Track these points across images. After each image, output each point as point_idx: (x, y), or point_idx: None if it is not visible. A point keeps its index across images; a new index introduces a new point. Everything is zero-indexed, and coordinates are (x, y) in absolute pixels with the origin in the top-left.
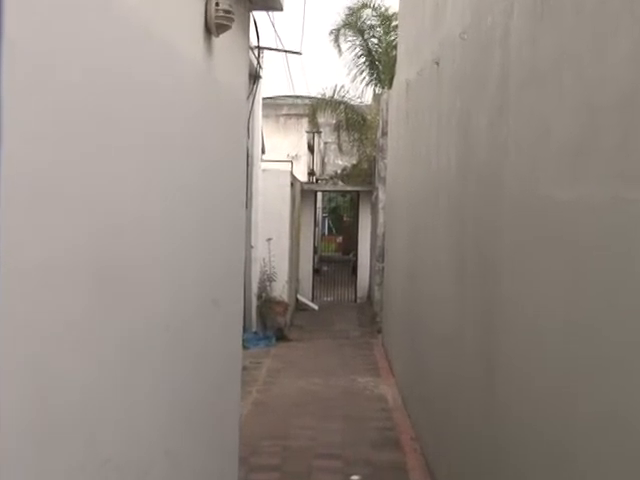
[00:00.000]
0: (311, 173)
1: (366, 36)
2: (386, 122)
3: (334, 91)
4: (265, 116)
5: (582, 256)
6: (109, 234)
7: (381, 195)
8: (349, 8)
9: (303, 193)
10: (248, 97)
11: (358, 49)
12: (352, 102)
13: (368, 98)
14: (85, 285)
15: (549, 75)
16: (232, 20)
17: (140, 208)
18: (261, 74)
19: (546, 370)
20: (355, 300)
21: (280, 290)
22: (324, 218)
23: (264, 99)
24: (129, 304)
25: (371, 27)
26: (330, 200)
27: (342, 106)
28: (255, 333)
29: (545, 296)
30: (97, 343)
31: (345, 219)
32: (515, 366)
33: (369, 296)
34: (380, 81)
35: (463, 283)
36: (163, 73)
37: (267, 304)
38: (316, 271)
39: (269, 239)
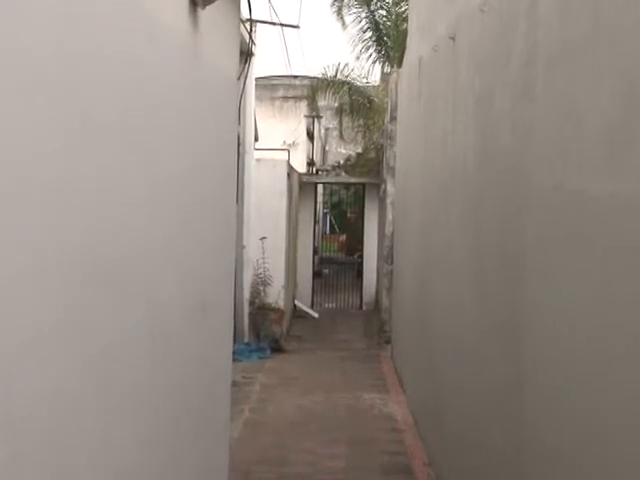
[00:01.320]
0: (310, 163)
1: (373, 7)
2: (395, 105)
3: (337, 70)
4: (258, 99)
5: (617, 256)
6: (81, 234)
7: (390, 188)
8: None
9: (302, 186)
10: (239, 77)
11: (364, 22)
12: (357, 83)
13: (375, 78)
14: (54, 287)
15: (582, 51)
16: None
17: (114, 202)
18: (254, 51)
19: (582, 385)
20: (360, 307)
21: (275, 296)
22: (325, 214)
23: (257, 79)
24: (105, 309)
25: None
26: (332, 194)
27: (346, 87)
28: (247, 344)
29: (576, 300)
30: (68, 351)
31: (349, 215)
32: (546, 381)
33: (376, 302)
34: (389, 59)
35: (482, 286)
36: (141, 49)
37: (261, 311)
38: (316, 274)
39: (263, 238)
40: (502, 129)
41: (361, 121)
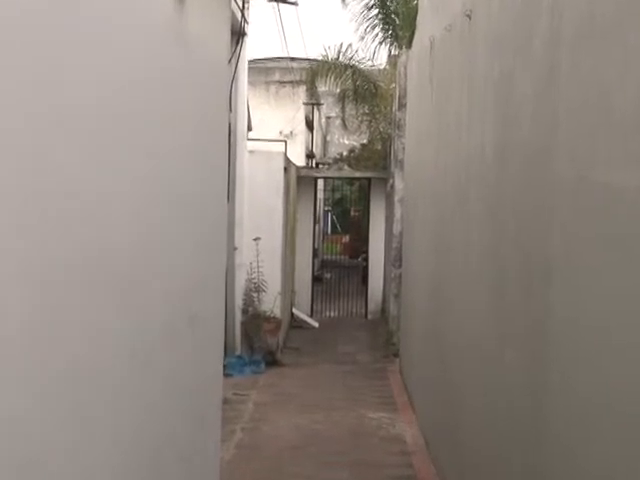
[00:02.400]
0: (310, 155)
1: None
2: (404, 91)
3: (339, 52)
4: (252, 83)
5: None
6: (47, 233)
7: (398, 183)
8: None
9: (300, 181)
10: (230, 59)
11: None
12: (361, 66)
13: (382, 61)
14: (18, 297)
15: (612, 30)
16: None
17: (83, 201)
18: (246, 31)
19: (614, 408)
20: (365, 316)
21: (271, 303)
22: (326, 212)
23: (251, 62)
24: (78, 321)
25: None
26: (334, 190)
27: (349, 71)
28: (239, 357)
29: (609, 311)
30: (37, 372)
31: (353, 214)
32: (573, 400)
33: (383, 310)
34: (397, 39)
35: (502, 293)
36: (118, 25)
37: (254, 321)
38: (316, 279)
39: (257, 239)
40: (524, 117)
41: (366, 109)
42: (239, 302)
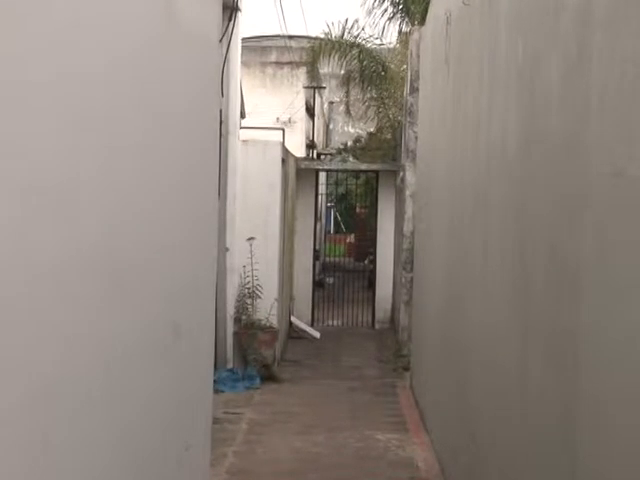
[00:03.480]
0: (311, 145)
1: None
2: (417, 73)
3: (343, 29)
4: (246, 64)
5: None
6: (5, 238)
7: (410, 177)
8: None
9: (300, 174)
10: (221, 38)
11: None
12: (369, 44)
13: (391, 39)
14: None
15: None
16: None
17: (60, 186)
18: (240, 5)
19: None
20: (373, 325)
21: (266, 311)
22: (329, 209)
23: (245, 40)
24: (47, 333)
25: None
26: (338, 184)
27: (355, 50)
28: (231, 371)
29: None
30: None
31: (359, 211)
32: (607, 423)
33: (392, 319)
34: (408, 14)
35: (527, 302)
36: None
37: (248, 331)
38: (318, 284)
39: (251, 239)
40: (551, 105)
41: (374, 93)
42: (231, 310)
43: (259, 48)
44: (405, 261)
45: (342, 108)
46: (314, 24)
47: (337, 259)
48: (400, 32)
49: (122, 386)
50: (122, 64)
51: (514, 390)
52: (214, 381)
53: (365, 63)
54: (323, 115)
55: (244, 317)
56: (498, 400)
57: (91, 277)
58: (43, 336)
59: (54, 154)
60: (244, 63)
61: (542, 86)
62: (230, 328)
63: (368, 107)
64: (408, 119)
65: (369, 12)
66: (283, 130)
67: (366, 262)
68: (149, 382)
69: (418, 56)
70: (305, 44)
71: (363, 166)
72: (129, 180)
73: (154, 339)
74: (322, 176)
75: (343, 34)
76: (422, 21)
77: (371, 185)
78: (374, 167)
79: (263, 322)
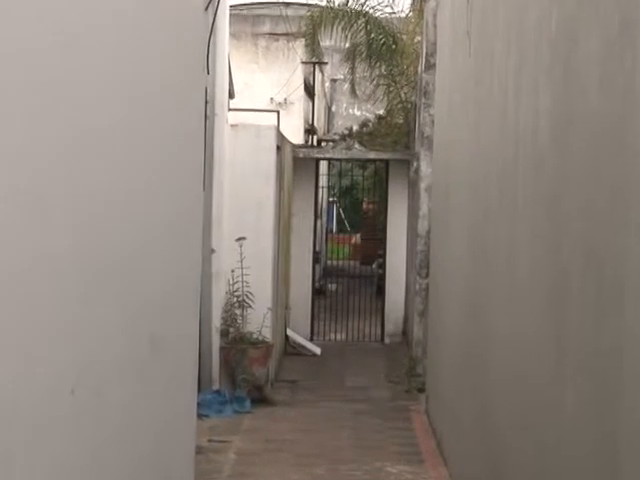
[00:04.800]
0: (310, 131)
1: None
2: (433, 46)
3: None
4: (235, 36)
5: None
6: None
7: (425, 167)
8: None
9: (297, 163)
10: (207, 6)
11: None
12: (378, 13)
13: (404, 6)
14: None
15: None
16: None
17: (22, 197)
18: None
19: None
20: (382, 339)
21: (259, 323)
22: (331, 205)
23: (234, 8)
24: (4, 348)
25: None
26: (341, 175)
27: (361, 20)
28: (218, 393)
29: None
30: None
31: (366, 207)
32: None
33: (404, 332)
34: None
35: (561, 312)
36: None
37: (237, 346)
38: (318, 291)
39: (241, 239)
40: (590, 82)
41: (383, 69)
42: (217, 321)
43: (250, 17)
44: (420, 265)
45: (346, 87)
46: None
47: (340, 262)
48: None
49: (90, 408)
50: (88, 34)
51: (547, 415)
52: (197, 404)
53: (373, 35)
54: (324, 95)
55: (232, 330)
56: (528, 426)
57: (54, 283)
58: (4, 351)
59: (9, 139)
60: (233, 35)
61: (579, 61)
62: (216, 342)
63: (377, 86)
64: (423, 100)
65: None
66: (278, 112)
67: (374, 266)
68: (122, 403)
69: (435, 27)
70: (303, 12)
71: (371, 154)
72: (96, 170)
73: (127, 355)
74: (323, 166)
75: (348, 1)
76: None
77: (380, 177)
78: (384, 156)
79: (254, 336)
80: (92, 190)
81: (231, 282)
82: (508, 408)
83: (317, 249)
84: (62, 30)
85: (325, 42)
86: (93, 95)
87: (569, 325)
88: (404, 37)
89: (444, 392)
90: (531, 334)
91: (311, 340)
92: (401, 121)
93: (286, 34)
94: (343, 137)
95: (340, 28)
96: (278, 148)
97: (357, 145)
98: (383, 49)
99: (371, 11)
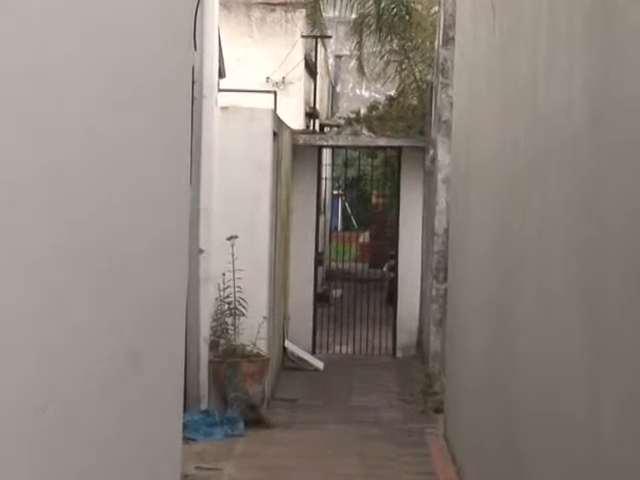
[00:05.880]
0: (312, 114)
1: None
2: (452, 18)
3: None
4: (226, 6)
5: None
6: None
7: (443, 156)
8: None
9: (297, 152)
10: None
11: None
12: None
13: None
14: None
15: None
16: None
17: None
18: None
19: None
20: (394, 352)
21: (253, 333)
22: (336, 198)
23: None
24: None
25: None
26: (347, 165)
27: None
28: (206, 413)
29: None
30: None
31: (375, 201)
32: None
33: (419, 345)
34: None
35: (601, 327)
36: None
37: (229, 359)
38: (321, 298)
39: (233, 238)
40: (632, 62)
41: (395, 44)
42: (206, 331)
43: None
44: (437, 267)
45: (353, 65)
46: None
47: (346, 264)
48: None
49: (60, 430)
50: (58, 6)
51: (582, 439)
52: (183, 426)
53: (383, 4)
54: (328, 74)
55: (223, 341)
56: (561, 457)
57: (19, 289)
58: None
59: None
60: (224, 4)
61: (619, 35)
62: (204, 356)
63: (387, 63)
64: (440, 79)
65: None
66: (275, 93)
67: (385, 269)
68: (96, 426)
69: None
70: None
71: (381, 141)
72: (62, 157)
73: (102, 370)
74: (327, 155)
75: None
76: None
77: (391, 166)
78: (395, 143)
79: (248, 348)
80: (60, 181)
81: (222, 287)
82: (538, 431)
83: (320, 249)
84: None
85: (329, 13)
86: (61, 77)
87: (609, 342)
88: (419, 7)
89: (465, 413)
90: (564, 347)
91: (313, 353)
92: (415, 103)
93: (284, 3)
94: (349, 121)
95: None
96: (275, 134)
97: (365, 130)
98: (395, 21)
99: None
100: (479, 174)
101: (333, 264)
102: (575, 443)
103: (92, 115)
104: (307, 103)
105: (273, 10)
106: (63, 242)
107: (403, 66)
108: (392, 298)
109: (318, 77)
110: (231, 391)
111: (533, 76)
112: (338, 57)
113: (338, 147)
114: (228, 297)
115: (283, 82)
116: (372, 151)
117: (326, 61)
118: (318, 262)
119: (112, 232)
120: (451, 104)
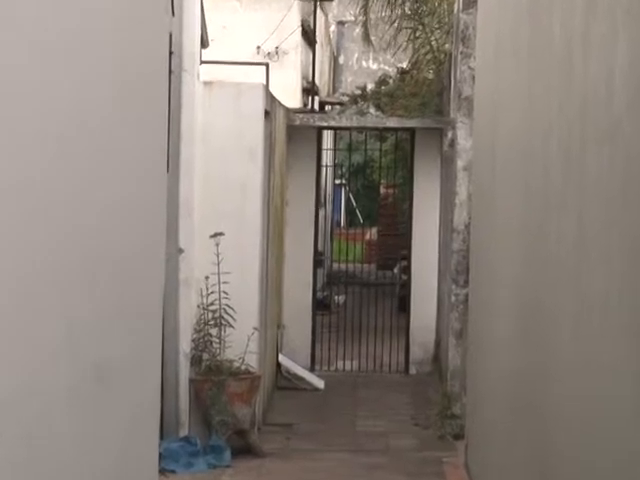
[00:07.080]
0: (310, 90)
1: None
2: None
3: None
4: None
5: None
6: None
7: (463, 139)
8: None
9: (294, 134)
10: None
11: None
12: None
13: None
14: None
15: None
16: None
17: None
18: None
19: None
20: (406, 369)
21: (241, 347)
22: (338, 189)
23: None
24: None
25: None
26: (352, 149)
27: None
28: (187, 440)
29: None
30: None
31: (384, 192)
32: None
33: (436, 360)
34: None
35: None
36: None
37: (213, 377)
38: (321, 304)
39: (218, 235)
40: None
41: (407, 8)
42: (186, 345)
43: None
44: (456, 270)
45: (358, 32)
46: None
47: (351, 266)
48: None
49: (18, 458)
50: None
51: (629, 470)
52: (160, 456)
53: None
54: (329, 43)
55: (206, 356)
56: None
57: None
58: None
59: None
60: None
61: None
62: (184, 373)
63: (398, 30)
64: (461, 48)
65: None
66: (267, 66)
67: (395, 271)
68: (58, 454)
69: None
70: None
71: (391, 122)
72: (16, 137)
73: (64, 390)
74: (328, 138)
75: None
76: None
77: (403, 152)
78: (408, 123)
79: (236, 364)
80: (10, 168)
81: (205, 292)
82: (574, 460)
83: (320, 248)
84: None
85: None
86: (22, 50)
87: None
88: None
89: (490, 439)
90: (608, 363)
91: (312, 370)
92: (431, 77)
93: None
94: (354, 99)
95: None
96: (267, 113)
97: (372, 109)
98: None
99: None
100: (505, 160)
101: (335, 265)
102: (620, 474)
103: (49, 94)
104: (305, 77)
105: None
106: (24, 241)
107: (417, 34)
108: (404, 305)
109: (317, 47)
110: (216, 414)
111: (567, 45)
112: (341, 24)
113: (341, 129)
114: (212, 304)
115: (276, 53)
116: (381, 133)
117: (327, 28)
118: (318, 263)
119: (78, 230)
120: (473, 78)
